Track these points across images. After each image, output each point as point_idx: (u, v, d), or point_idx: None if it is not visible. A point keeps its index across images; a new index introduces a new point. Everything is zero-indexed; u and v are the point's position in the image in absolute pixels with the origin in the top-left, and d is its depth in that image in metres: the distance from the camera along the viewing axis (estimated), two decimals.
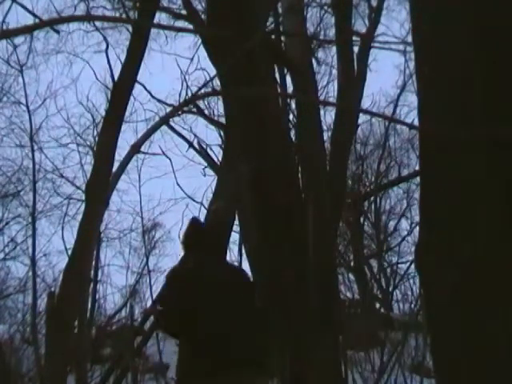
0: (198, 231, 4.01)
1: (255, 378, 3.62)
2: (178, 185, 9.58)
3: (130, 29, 8.54)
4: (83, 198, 8.97)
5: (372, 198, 14.56)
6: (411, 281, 8.56)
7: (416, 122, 2.51)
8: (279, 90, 7.36)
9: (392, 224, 15.76)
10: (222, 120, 9.42)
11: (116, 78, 7.38)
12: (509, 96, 2.11)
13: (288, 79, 8.39)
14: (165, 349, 8.89)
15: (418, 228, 2.57)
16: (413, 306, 7.61)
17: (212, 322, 3.54)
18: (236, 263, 7.31)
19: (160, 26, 9.47)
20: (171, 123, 10.40)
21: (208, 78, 8.92)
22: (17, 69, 10.88)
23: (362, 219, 14.38)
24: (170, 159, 10.13)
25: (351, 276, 11.21)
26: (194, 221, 4.19)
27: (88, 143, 13.49)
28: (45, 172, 13.23)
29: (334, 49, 8.81)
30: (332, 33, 9.90)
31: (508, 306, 1.99)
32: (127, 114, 8.81)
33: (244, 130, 4.56)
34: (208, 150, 10.71)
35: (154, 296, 6.69)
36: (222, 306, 3.59)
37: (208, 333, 3.54)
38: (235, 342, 3.52)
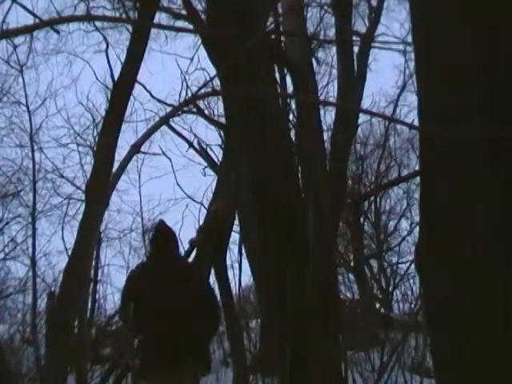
0: (157, 238, 4.38)
1: (195, 372, 3.97)
2: (178, 185, 9.61)
3: (130, 29, 8.54)
4: (83, 198, 8.97)
5: (372, 198, 14.55)
6: (411, 281, 8.55)
7: (416, 122, 2.51)
8: (279, 90, 7.36)
9: (392, 224, 15.77)
10: (222, 120, 9.43)
11: (116, 78, 7.38)
12: (509, 96, 2.11)
13: (288, 79, 8.40)
14: None
15: (418, 228, 2.57)
16: (413, 306, 7.60)
17: (154, 318, 3.86)
18: (237, 263, 7.31)
19: (160, 26, 9.48)
20: (171, 123, 10.40)
21: (208, 78, 8.93)
22: (17, 69, 10.89)
23: (362, 219, 14.37)
24: (170, 159, 10.15)
25: (351, 276, 11.21)
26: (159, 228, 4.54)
27: (88, 143, 13.51)
28: (45, 172, 13.25)
29: (334, 49, 8.83)
30: (332, 33, 9.92)
31: (508, 306, 1.99)
32: (127, 114, 8.83)
33: (244, 130, 4.56)
34: (208, 150, 10.71)
35: None
36: (165, 304, 3.88)
37: (151, 329, 3.86)
38: (177, 339, 3.80)
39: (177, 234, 4.42)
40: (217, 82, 6.30)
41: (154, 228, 4.56)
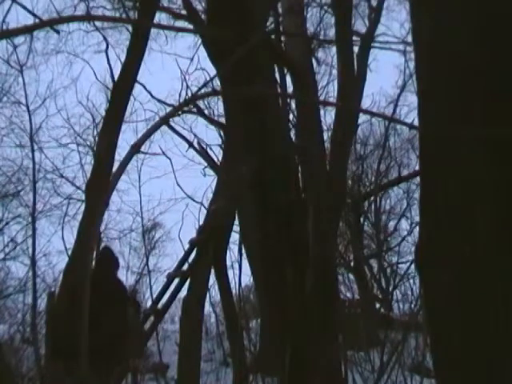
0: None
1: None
2: (178, 185, 9.54)
3: (130, 29, 8.53)
4: (83, 198, 8.97)
5: (372, 198, 14.54)
6: (411, 281, 8.54)
7: (416, 122, 2.51)
8: (279, 90, 7.37)
9: (392, 224, 15.77)
10: (222, 120, 9.41)
11: (116, 78, 7.37)
12: (509, 96, 2.11)
13: (288, 79, 8.40)
14: (165, 349, 8.89)
15: (418, 228, 2.56)
16: (413, 306, 7.60)
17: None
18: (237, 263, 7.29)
19: (160, 26, 9.46)
20: (171, 123, 10.36)
21: (208, 78, 8.90)
22: (17, 69, 10.91)
23: (362, 219, 14.36)
24: (170, 159, 10.10)
25: (351, 276, 11.20)
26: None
27: (88, 143, 13.52)
28: (45, 172, 13.25)
29: (334, 49, 8.83)
30: (332, 33, 9.91)
31: (508, 306, 1.99)
32: (127, 114, 8.80)
33: (244, 130, 4.57)
34: (208, 150, 10.68)
35: (154, 296, 6.70)
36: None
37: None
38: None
39: (118, 260, 5.68)
40: (217, 82, 6.29)
41: (100, 251, 5.87)
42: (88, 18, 9.79)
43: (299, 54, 5.91)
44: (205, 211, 6.09)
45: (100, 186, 6.84)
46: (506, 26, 2.16)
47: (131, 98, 7.76)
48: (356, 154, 13.61)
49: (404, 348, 6.52)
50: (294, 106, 7.43)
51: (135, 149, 7.40)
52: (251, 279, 9.66)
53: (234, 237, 7.82)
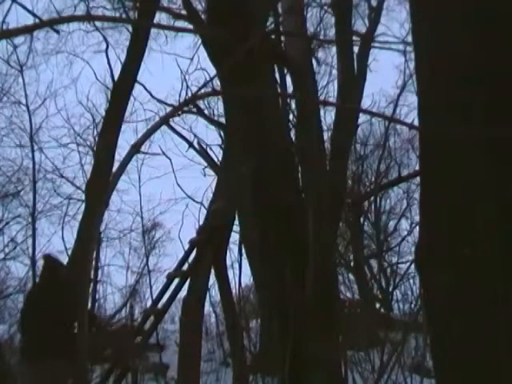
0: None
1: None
2: (178, 185, 9.54)
3: (130, 29, 8.54)
4: (83, 198, 8.98)
5: (372, 198, 14.54)
6: (411, 281, 8.55)
7: (416, 122, 2.51)
8: (279, 90, 7.37)
9: (392, 224, 15.77)
10: (222, 120, 9.41)
11: (116, 77, 7.38)
12: (508, 96, 2.11)
13: (288, 79, 8.41)
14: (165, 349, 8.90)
15: (417, 228, 2.57)
16: (413, 306, 7.61)
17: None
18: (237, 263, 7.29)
19: (160, 26, 9.46)
20: (171, 123, 10.37)
21: (208, 78, 8.91)
22: (17, 69, 10.93)
23: (362, 219, 14.36)
24: (170, 159, 10.12)
25: (351, 276, 11.20)
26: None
27: (88, 143, 13.51)
28: (45, 172, 13.25)
29: (334, 49, 8.83)
30: (332, 33, 9.92)
31: (507, 306, 1.99)
32: (127, 114, 8.83)
33: (244, 130, 4.56)
34: (208, 150, 10.69)
35: (154, 296, 6.70)
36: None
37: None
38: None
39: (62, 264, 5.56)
40: (217, 82, 6.29)
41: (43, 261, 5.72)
42: (88, 18, 9.77)
43: (299, 54, 5.90)
44: (205, 211, 6.08)
45: (100, 186, 6.85)
46: (506, 26, 2.16)
47: (131, 97, 7.79)
48: (356, 154, 13.61)
49: (404, 348, 6.53)
50: (294, 105, 7.44)
51: (135, 149, 7.41)
52: (251, 279, 9.68)
53: (234, 237, 7.83)
